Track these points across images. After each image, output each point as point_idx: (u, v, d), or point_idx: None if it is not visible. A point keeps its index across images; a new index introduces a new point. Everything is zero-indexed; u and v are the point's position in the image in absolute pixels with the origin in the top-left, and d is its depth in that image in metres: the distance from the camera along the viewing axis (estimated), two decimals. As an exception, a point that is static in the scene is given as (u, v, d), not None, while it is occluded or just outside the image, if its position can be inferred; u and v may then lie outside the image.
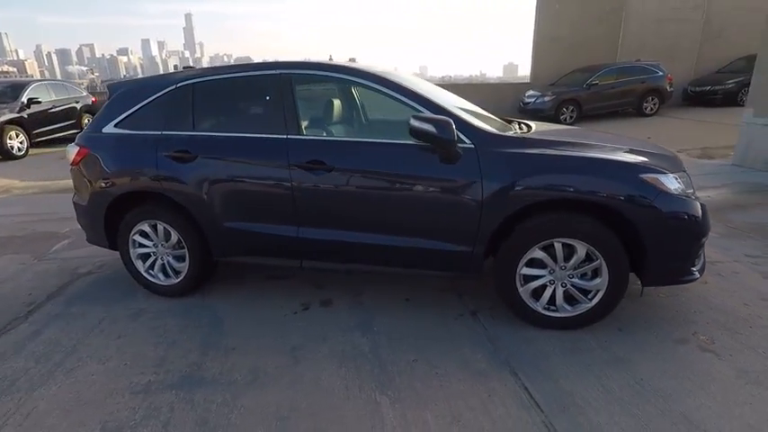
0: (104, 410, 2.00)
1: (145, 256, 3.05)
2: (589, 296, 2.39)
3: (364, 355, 2.33)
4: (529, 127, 2.84)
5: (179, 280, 2.99)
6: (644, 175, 2.21)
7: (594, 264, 2.32)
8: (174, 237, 2.89)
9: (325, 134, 2.79)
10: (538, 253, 2.36)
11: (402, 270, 2.62)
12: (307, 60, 2.74)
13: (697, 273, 2.35)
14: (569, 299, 2.43)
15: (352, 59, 2.82)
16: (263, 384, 2.13)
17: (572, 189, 2.23)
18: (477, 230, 2.38)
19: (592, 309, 2.39)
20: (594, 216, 2.27)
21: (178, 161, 2.73)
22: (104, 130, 2.96)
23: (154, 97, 2.87)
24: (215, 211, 2.74)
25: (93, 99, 10.98)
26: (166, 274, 3.03)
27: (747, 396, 1.93)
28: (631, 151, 2.45)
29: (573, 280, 2.38)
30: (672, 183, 2.23)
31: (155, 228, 2.92)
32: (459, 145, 2.34)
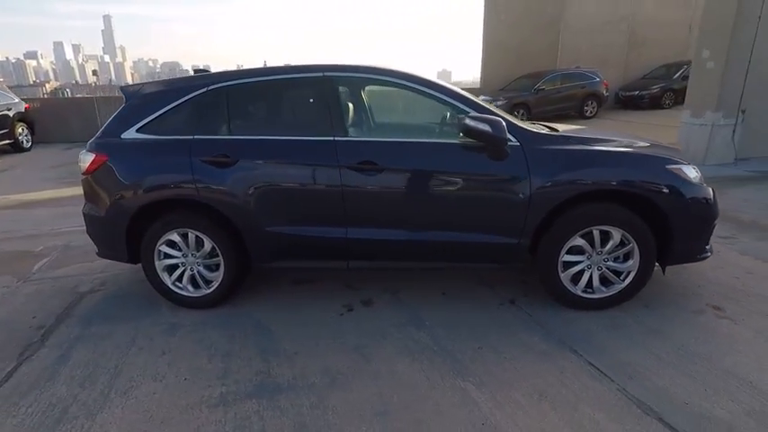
0: (188, 427, 1.91)
1: (172, 268, 2.90)
2: (621, 277, 2.65)
3: (430, 348, 2.41)
4: (550, 127, 3.08)
5: (211, 290, 2.88)
6: (669, 166, 2.51)
7: (627, 247, 2.58)
8: (208, 245, 2.78)
9: (368, 135, 2.84)
10: (578, 240, 2.58)
11: (451, 265, 2.74)
12: (350, 63, 2.77)
13: (709, 251, 2.69)
14: (604, 281, 2.67)
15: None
16: (345, 384, 2.14)
17: (610, 180, 2.48)
18: (525, 223, 2.56)
19: (624, 289, 2.65)
20: (627, 204, 2.53)
21: (217, 166, 2.65)
22: (124, 136, 2.79)
23: (181, 101, 2.76)
24: (258, 216, 2.68)
25: (26, 105, 9.98)
26: (196, 286, 2.91)
27: (769, 351, 2.26)
28: (651, 145, 2.75)
29: (608, 263, 2.63)
30: (691, 171, 2.55)
31: (185, 237, 2.80)
32: (508, 143, 2.50)
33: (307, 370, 2.26)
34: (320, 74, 2.69)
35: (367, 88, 3.11)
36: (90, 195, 2.91)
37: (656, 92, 13.34)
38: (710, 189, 2.61)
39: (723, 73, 6.69)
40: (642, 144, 2.76)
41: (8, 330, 2.77)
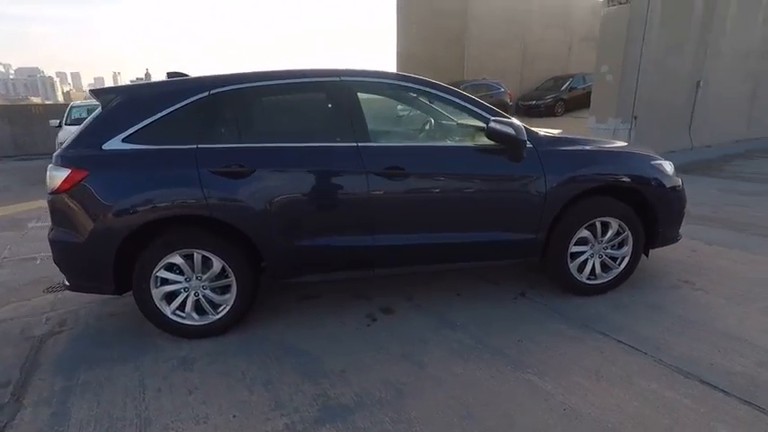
0: (268, 466, 1.71)
1: (171, 295, 2.55)
2: (618, 263, 2.97)
3: (475, 347, 2.45)
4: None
5: (220, 315, 2.59)
6: (653, 162, 2.90)
7: (623, 236, 2.90)
8: (217, 265, 2.51)
9: (389, 140, 2.80)
10: (584, 232, 2.84)
11: (473, 264, 2.82)
12: (366, 69, 2.71)
13: (680, 234, 3.14)
14: (604, 267, 2.97)
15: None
16: (414, 393, 2.09)
17: (611, 176, 2.78)
18: (541, 219, 2.74)
19: (620, 273, 2.98)
20: (619, 196, 2.86)
21: (230, 177, 2.41)
22: (107, 147, 2.40)
23: (177, 106, 2.46)
24: (279, 229, 2.49)
25: None
26: (201, 312, 2.59)
27: (745, 311, 2.71)
28: (628, 145, 3.13)
29: (607, 251, 2.93)
30: (668, 166, 2.97)
31: (188, 258, 2.49)
32: (524, 145, 2.67)
33: (366, 386, 2.15)
34: (337, 78, 2.60)
35: (393, 95, 3.05)
36: (62, 218, 2.44)
37: (550, 102, 15.07)
38: (681, 180, 3.06)
39: (620, 85, 7.84)
40: (621, 144, 3.13)
41: (-42, 394, 2.19)
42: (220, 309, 2.60)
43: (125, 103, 2.49)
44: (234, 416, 1.99)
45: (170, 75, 2.90)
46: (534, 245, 2.80)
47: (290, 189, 2.48)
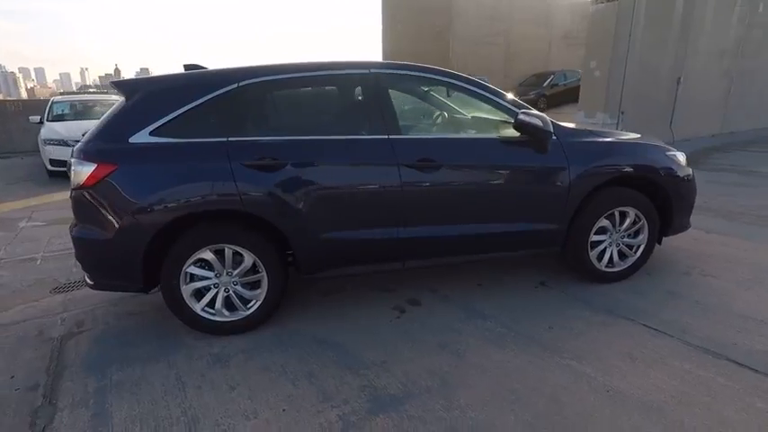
0: (330, 457, 1.70)
1: (200, 292, 2.50)
2: (633, 250, 3.07)
3: (508, 335, 2.50)
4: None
5: (250, 312, 2.56)
6: (668, 153, 3.00)
7: (639, 224, 3.00)
8: (249, 260, 2.47)
9: (418, 133, 2.80)
10: (603, 221, 2.92)
11: (499, 255, 2.86)
12: (395, 62, 2.71)
13: (690, 222, 3.26)
14: (621, 255, 3.07)
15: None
16: (460, 381, 2.12)
17: (631, 167, 2.86)
18: (564, 209, 2.80)
19: (636, 260, 3.08)
20: (636, 187, 2.95)
21: (263, 170, 2.37)
22: (134, 140, 2.33)
23: (206, 98, 2.40)
24: (312, 223, 2.47)
25: None
26: (231, 308, 2.55)
27: (756, 294, 2.85)
28: (644, 137, 3.23)
29: (624, 239, 3.02)
30: (681, 157, 3.08)
31: (219, 253, 2.44)
32: (548, 138, 2.72)
33: (410, 375, 2.17)
34: (367, 71, 2.59)
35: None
36: (88, 214, 2.36)
37: (533, 97, 15.30)
38: (692, 170, 3.18)
39: (607, 81, 8.06)
40: (634, 135, 3.23)
41: (-14, 399, 2.10)
42: (250, 304, 2.57)
43: (151, 95, 2.42)
44: (283, 410, 1.97)
45: (187, 67, 2.84)
46: (557, 235, 2.86)
47: (323, 182, 2.46)
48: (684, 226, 3.19)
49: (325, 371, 2.23)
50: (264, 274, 2.51)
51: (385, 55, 15.83)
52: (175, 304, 2.47)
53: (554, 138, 2.74)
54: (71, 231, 2.46)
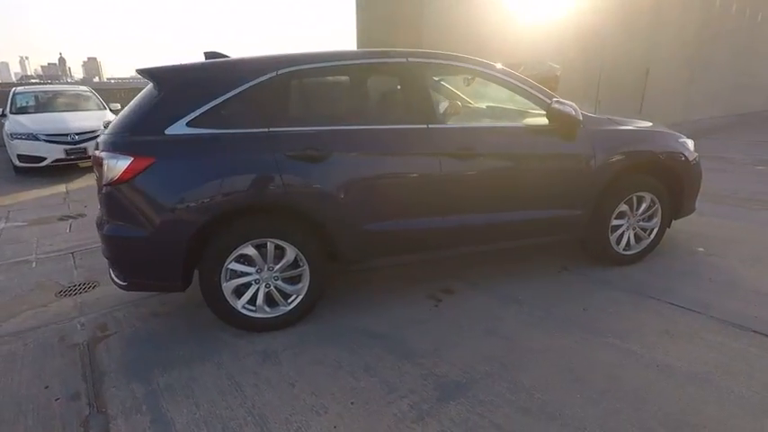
0: (415, 445, 1.71)
1: (241, 288, 2.43)
2: (647, 233, 3.23)
3: (547, 319, 2.58)
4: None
5: (292, 306, 2.51)
6: (680, 140, 3.15)
7: (654, 208, 3.15)
8: (291, 254, 2.42)
9: (454, 122, 2.79)
10: (623, 206, 3.05)
11: (528, 241, 2.93)
12: (430, 51, 2.69)
13: (695, 206, 3.46)
14: (636, 238, 3.22)
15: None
16: (517, 364, 2.17)
17: (651, 153, 3.00)
18: (590, 195, 2.91)
19: (650, 243, 3.24)
20: (652, 171, 3.09)
21: (307, 161, 2.32)
22: (171, 132, 2.21)
23: (244, 87, 2.31)
24: (354, 214, 2.45)
25: None
26: (272, 304, 2.49)
27: (759, 270, 3.07)
28: (656, 125, 3.38)
29: (640, 223, 3.17)
30: (690, 143, 3.24)
31: (261, 248, 2.38)
32: (574, 126, 2.80)
33: (467, 362, 2.21)
34: (404, 59, 2.57)
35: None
36: (122, 210, 2.23)
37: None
38: (698, 156, 3.36)
39: (585, 71, 8.35)
40: (648, 123, 3.37)
41: (27, 412, 1.97)
42: (291, 299, 2.52)
43: (186, 85, 2.30)
44: (352, 402, 1.96)
45: (208, 55, 2.72)
46: (582, 220, 2.97)
47: (365, 172, 2.44)
48: (692, 209, 3.38)
49: (381, 362, 2.23)
50: (306, 267, 2.47)
51: (359, 43, 15.71)
52: (216, 302, 2.38)
53: (581, 126, 2.83)
54: (100, 229, 2.32)
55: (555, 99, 2.69)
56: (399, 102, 2.60)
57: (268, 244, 2.37)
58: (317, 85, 2.48)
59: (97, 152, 2.31)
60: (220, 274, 2.33)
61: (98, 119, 7.22)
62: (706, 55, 11.71)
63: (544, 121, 2.80)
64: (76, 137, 6.73)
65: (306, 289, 2.50)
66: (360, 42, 15.89)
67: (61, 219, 4.90)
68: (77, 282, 3.33)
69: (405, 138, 2.51)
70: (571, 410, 1.86)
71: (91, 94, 8.26)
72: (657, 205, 3.14)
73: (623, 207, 3.05)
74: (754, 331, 2.37)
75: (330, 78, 2.53)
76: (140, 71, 2.38)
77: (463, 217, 2.67)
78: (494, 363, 2.19)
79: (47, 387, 2.13)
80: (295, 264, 2.46)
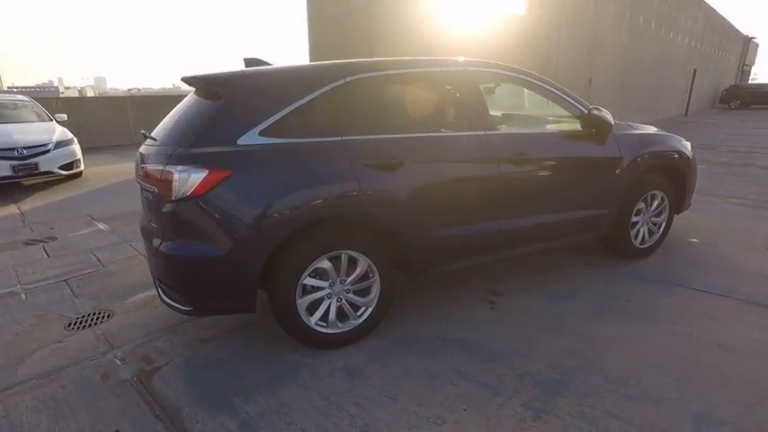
0: (548, 444, 1.74)
1: (314, 304, 2.32)
2: (658, 227, 3.53)
3: (599, 311, 2.73)
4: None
5: (361, 320, 2.44)
6: (682, 141, 3.50)
7: (663, 205, 3.46)
8: (363, 264, 2.36)
9: (505, 128, 2.86)
10: (640, 204, 3.32)
11: (568, 241, 3.09)
12: (483, 60, 2.75)
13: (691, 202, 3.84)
14: (649, 233, 3.51)
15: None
16: (599, 357, 2.28)
17: (666, 154, 3.29)
18: (618, 194, 3.13)
19: (660, 236, 3.55)
20: (661, 171, 3.40)
21: (383, 169, 2.28)
22: (243, 142, 2.08)
23: (315, 95, 2.23)
24: (425, 222, 2.44)
25: None
26: (342, 319, 2.41)
27: (751, 255, 3.47)
28: (658, 129, 3.71)
29: (653, 219, 3.47)
30: (689, 144, 3.60)
31: (335, 260, 2.29)
32: (601, 130, 3.01)
33: (552, 358, 2.28)
34: (461, 68, 2.62)
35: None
36: (191, 228, 2.05)
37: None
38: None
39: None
40: (653, 128, 3.70)
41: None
42: (360, 312, 2.45)
43: (254, 92, 2.17)
44: (464, 409, 1.95)
45: (248, 61, 2.60)
46: (610, 218, 3.18)
47: (433, 179, 2.45)
48: (689, 204, 3.75)
49: (471, 366, 2.24)
50: (377, 278, 2.41)
51: (311, 54, 15.56)
52: (291, 321, 2.25)
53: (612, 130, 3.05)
54: (157, 248, 2.10)
55: (593, 106, 2.89)
56: (459, 109, 2.64)
57: (342, 256, 2.29)
58: (382, 93, 2.45)
59: (154, 166, 2.10)
60: (296, 290, 2.21)
61: (47, 131, 6.48)
62: (633, 67, 13.06)
63: (576, 126, 2.98)
64: (25, 151, 5.99)
65: (376, 300, 2.44)
66: (312, 54, 15.78)
67: (28, 243, 4.33)
68: (86, 312, 2.97)
69: (468, 144, 2.55)
70: (669, 394, 2.00)
71: (32, 103, 7.39)
72: (666, 202, 3.46)
73: (640, 205, 3.33)
74: (777, 308, 2.69)
75: (395, 86, 2.51)
76: (200, 78, 2.21)
77: (517, 220, 2.76)
78: (576, 357, 2.29)
79: (117, 431, 1.89)
80: (365, 275, 2.40)
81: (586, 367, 2.20)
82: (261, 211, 2.06)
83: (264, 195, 2.07)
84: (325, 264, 2.26)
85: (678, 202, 3.60)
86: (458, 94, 2.61)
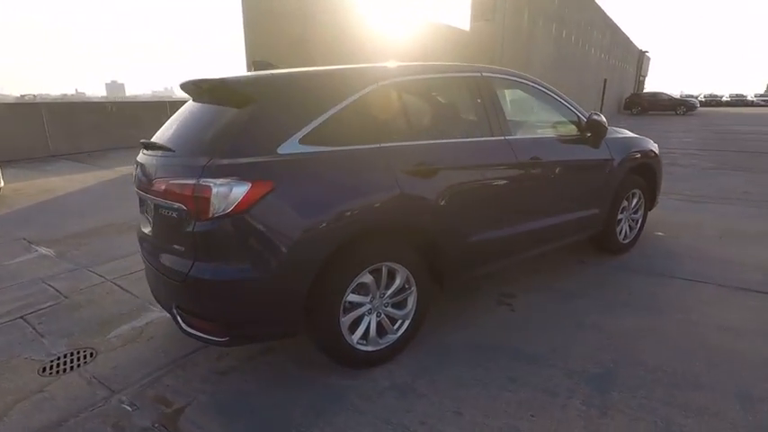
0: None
1: (355, 322, 2.18)
2: (635, 223, 3.82)
3: (613, 305, 2.87)
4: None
5: (399, 334, 2.34)
6: (652, 143, 3.81)
7: (640, 203, 3.76)
8: (402, 276, 2.27)
9: (519, 134, 2.89)
10: (624, 202, 3.57)
11: (570, 240, 3.22)
12: (496, 67, 2.77)
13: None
14: (630, 229, 3.78)
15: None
16: (628, 349, 2.38)
17: (645, 155, 3.57)
18: (609, 194, 3.34)
19: (637, 232, 3.84)
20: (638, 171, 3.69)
21: (420, 176, 2.22)
22: (284, 151, 1.90)
23: (351, 100, 2.11)
24: (458, 228, 2.41)
25: None
26: (382, 334, 2.30)
27: (709, 245, 3.87)
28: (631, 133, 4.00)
29: (632, 216, 3.74)
30: (656, 146, 3.93)
31: (376, 274, 2.18)
32: (595, 134, 3.20)
33: (590, 355, 2.34)
34: (479, 74, 2.63)
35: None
36: (233, 248, 1.82)
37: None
38: (658, 156, 4.10)
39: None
40: (627, 132, 3.99)
41: None
42: (397, 326, 2.35)
43: (292, 97, 2.00)
44: (532, 415, 1.93)
45: (257, 63, 2.42)
46: (601, 218, 3.38)
47: (465, 185, 2.43)
48: (657, 201, 4.10)
49: (519, 371, 2.23)
50: (414, 289, 2.33)
51: (248, 63, 15.03)
52: (334, 342, 2.10)
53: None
54: (187, 273, 1.84)
55: (592, 111, 3.05)
56: (482, 114, 2.64)
57: (383, 268, 2.18)
58: (412, 98, 2.38)
59: (179, 180, 1.85)
60: (339, 308, 2.06)
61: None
62: (560, 76, 14.15)
63: (572, 130, 3.14)
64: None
65: (413, 313, 2.36)
66: (248, 62, 15.16)
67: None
68: (60, 353, 2.54)
69: (493, 150, 2.57)
70: (704, 378, 2.14)
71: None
72: (642, 200, 3.75)
73: (624, 203, 3.58)
74: (756, 291, 3.02)
75: (424, 91, 2.45)
76: (223, 81, 1.99)
77: (534, 222, 2.83)
78: (610, 351, 2.37)
79: (163, 490, 1.62)
80: (402, 287, 2.31)
81: (623, 360, 2.29)
82: (308, 225, 1.89)
83: (310, 208, 1.91)
84: (367, 278, 2.13)
85: (651, 200, 3.93)
86: (479, 100, 2.62)
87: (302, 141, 1.95)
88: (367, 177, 2.07)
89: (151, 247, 2.18)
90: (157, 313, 2.92)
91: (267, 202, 1.81)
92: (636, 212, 3.80)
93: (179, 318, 2.02)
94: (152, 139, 2.21)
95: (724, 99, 47.48)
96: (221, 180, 1.77)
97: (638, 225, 3.84)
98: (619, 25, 24.69)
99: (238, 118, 1.93)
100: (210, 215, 1.78)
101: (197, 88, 2.18)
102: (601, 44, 20.83)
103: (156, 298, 2.34)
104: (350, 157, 2.05)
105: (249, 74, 2.12)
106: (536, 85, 3.00)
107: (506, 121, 2.70)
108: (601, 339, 2.49)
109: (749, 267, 3.40)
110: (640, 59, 36.67)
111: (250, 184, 1.78)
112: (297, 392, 2.12)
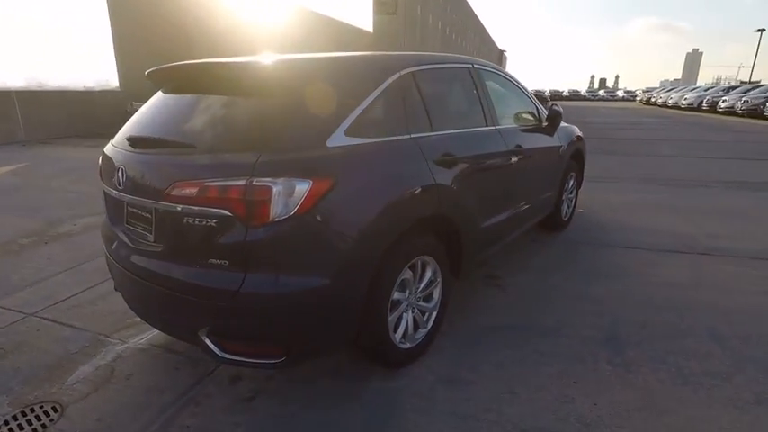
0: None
1: (398, 318, 2.10)
2: (571, 202, 4.32)
3: (596, 277, 3.19)
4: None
5: (429, 327, 2.32)
6: (578, 130, 4.33)
7: (573, 182, 4.26)
8: (431, 268, 2.25)
9: (500, 124, 2.99)
10: (566, 184, 4.02)
11: (537, 220, 3.51)
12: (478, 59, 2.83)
13: (579, 180, 4.78)
14: (568, 207, 4.26)
15: None
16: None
17: (576, 141, 4.04)
18: (560, 178, 3.72)
19: (572, 209, 4.36)
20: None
21: (447, 167, 2.22)
22: (333, 144, 1.73)
23: (381, 89, 2.00)
24: (475, 215, 2.47)
25: None
26: (416, 329, 2.25)
27: (639, 219, 4.58)
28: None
29: (569, 195, 4.22)
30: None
31: (412, 269, 2.13)
32: (548, 122, 3.54)
33: (590, 321, 2.59)
34: (470, 65, 2.69)
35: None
36: (296, 255, 1.60)
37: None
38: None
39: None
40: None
41: None
42: (426, 318, 2.32)
43: (335, 84, 1.82)
44: (574, 382, 2.08)
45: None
46: (554, 199, 3.76)
47: (478, 173, 2.50)
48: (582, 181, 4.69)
49: (542, 345, 2.36)
50: (439, 280, 2.32)
51: (121, 64, 13.16)
52: (382, 343, 1.99)
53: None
54: (237, 290, 1.57)
55: (552, 103, 3.35)
56: (478, 105, 2.70)
57: (418, 262, 2.14)
58: (431, 88, 2.31)
59: (220, 181, 1.56)
60: (387, 307, 1.97)
61: None
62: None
63: (531, 120, 3.42)
64: None
65: (438, 304, 2.35)
66: (120, 62, 13.31)
67: None
68: (8, 414, 1.97)
69: (490, 139, 2.67)
70: (684, 325, 2.53)
71: None
72: (575, 180, 4.27)
73: (566, 184, 4.02)
74: (681, 252, 3.65)
75: (434, 81, 2.40)
76: (244, 65, 1.71)
77: (518, 205, 3.03)
78: (604, 315, 2.66)
79: None
80: (434, 278, 2.29)
81: (618, 321, 2.60)
82: (367, 223, 1.75)
83: (368, 204, 1.77)
84: (407, 273, 2.07)
85: (580, 181, 4.48)
86: (475, 91, 2.69)
87: (347, 133, 1.79)
88: (408, 169, 1.99)
89: (153, 264, 1.80)
90: (120, 345, 2.44)
91: (329, 200, 1.63)
92: (571, 192, 4.30)
93: (213, 345, 1.71)
94: (139, 134, 1.82)
95: (564, 94, 55.85)
96: (283, 179, 1.54)
97: (573, 203, 4.36)
98: (485, 27, 27.30)
99: (282, 108, 1.69)
100: (270, 219, 1.54)
101: (202, 74, 1.85)
102: (473, 42, 22.81)
103: (158, 326, 1.95)
104: (390, 149, 1.96)
105: (280, 58, 1.86)
106: (507, 77, 3.20)
107: (494, 112, 2.83)
108: (591, 306, 2.78)
109: (662, 233, 4.11)
110: (501, 58, 41.18)
111: (311, 182, 1.59)
112: (348, 406, 1.96)
